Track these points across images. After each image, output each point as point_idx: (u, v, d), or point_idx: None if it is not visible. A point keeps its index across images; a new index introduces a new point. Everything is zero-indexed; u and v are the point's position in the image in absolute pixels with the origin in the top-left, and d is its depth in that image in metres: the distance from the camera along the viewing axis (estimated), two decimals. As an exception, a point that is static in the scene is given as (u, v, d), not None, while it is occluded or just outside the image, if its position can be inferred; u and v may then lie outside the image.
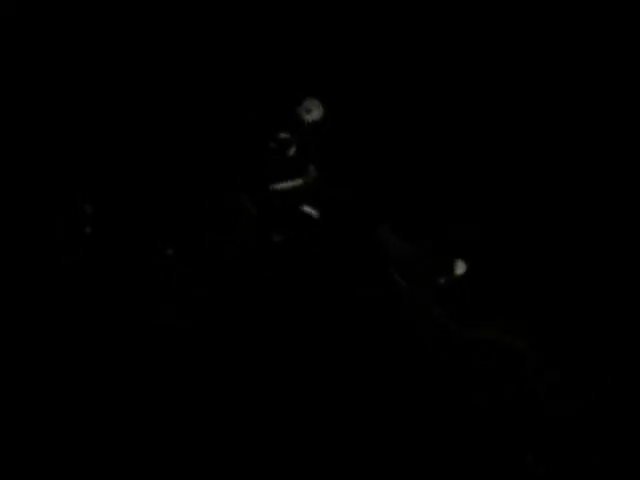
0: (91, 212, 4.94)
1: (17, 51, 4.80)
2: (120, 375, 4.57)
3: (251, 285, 4.95)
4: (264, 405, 4.55)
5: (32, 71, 4.86)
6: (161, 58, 5.12)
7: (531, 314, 4.91)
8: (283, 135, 5.06)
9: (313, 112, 5.10)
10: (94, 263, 4.88)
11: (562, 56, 5.20)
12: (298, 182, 5.14)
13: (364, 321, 4.85)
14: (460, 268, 5.08)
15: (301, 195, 5.15)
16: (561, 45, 5.18)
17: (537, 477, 4.46)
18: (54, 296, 4.73)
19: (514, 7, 5.18)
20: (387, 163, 5.26)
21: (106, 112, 5.03)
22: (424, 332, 4.87)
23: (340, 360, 4.73)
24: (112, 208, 5.01)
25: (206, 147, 5.20)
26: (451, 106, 5.27)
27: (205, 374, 4.63)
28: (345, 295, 4.94)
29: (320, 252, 5.09)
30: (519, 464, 4.49)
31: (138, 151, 5.12)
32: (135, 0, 5.02)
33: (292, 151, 5.07)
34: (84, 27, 4.95)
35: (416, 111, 5.28)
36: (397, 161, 5.26)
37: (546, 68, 5.21)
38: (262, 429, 4.47)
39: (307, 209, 5.15)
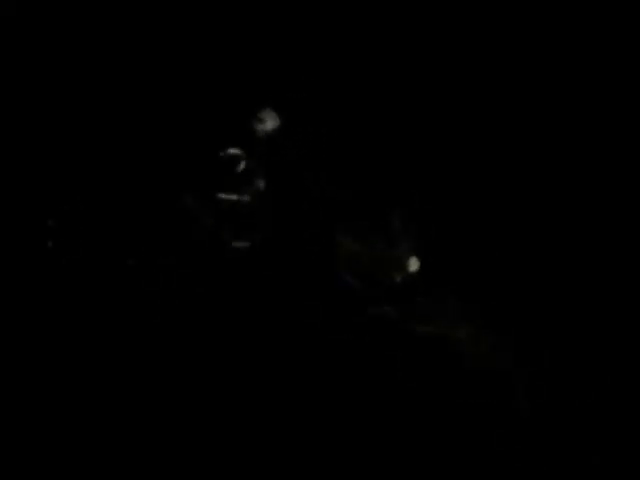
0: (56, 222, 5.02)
1: (17, 51, 4.92)
2: (114, 373, 4.65)
3: (205, 288, 4.99)
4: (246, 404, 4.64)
5: (32, 71, 4.98)
6: (162, 58, 5.24)
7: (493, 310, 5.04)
8: (232, 150, 5.05)
9: (267, 123, 5.13)
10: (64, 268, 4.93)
11: (562, 56, 5.29)
12: (244, 196, 5.10)
13: (316, 323, 4.93)
14: (414, 265, 5.20)
15: (247, 207, 5.11)
16: (561, 45, 5.27)
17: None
18: (48, 295, 4.82)
19: (514, 7, 5.27)
20: (342, 163, 5.30)
21: (105, 112, 5.13)
22: (374, 329, 4.99)
23: (297, 360, 4.81)
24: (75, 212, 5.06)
25: (158, 153, 5.21)
26: (419, 105, 5.36)
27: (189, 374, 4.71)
28: (298, 297, 5.01)
29: (270, 257, 5.11)
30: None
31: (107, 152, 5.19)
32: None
33: (241, 164, 5.04)
34: (84, 27, 5.07)
35: (376, 114, 5.34)
36: (352, 160, 5.29)
37: (546, 68, 5.29)
38: (250, 428, 4.56)
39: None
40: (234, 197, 5.13)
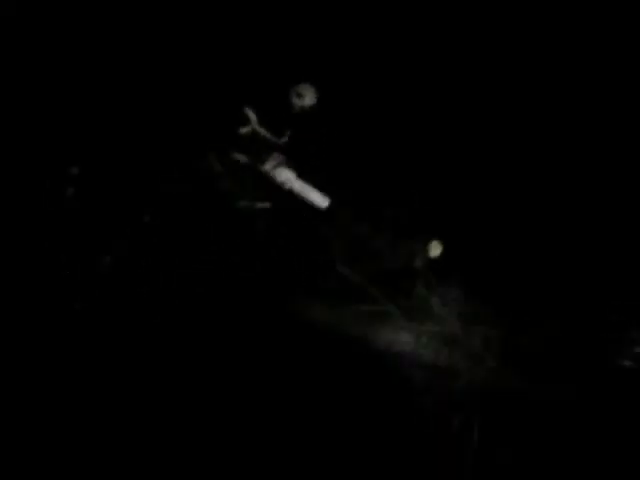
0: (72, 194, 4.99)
1: (17, 51, 4.82)
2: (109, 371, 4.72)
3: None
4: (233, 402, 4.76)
5: (32, 71, 4.89)
6: (164, 59, 5.09)
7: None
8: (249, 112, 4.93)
9: (305, 98, 4.98)
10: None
11: (562, 56, 5.15)
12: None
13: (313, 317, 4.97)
14: (436, 249, 5.09)
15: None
16: (561, 45, 5.12)
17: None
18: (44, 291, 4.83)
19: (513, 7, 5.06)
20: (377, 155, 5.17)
21: (104, 112, 5.05)
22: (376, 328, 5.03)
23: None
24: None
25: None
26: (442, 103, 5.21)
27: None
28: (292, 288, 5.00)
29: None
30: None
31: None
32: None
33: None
34: (84, 27, 4.94)
35: (413, 107, 5.18)
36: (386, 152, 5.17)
37: (546, 68, 5.18)
38: (250, 428, 4.72)
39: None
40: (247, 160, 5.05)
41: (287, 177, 5.04)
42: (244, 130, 4.99)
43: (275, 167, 5.03)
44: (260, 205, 5.06)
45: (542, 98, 5.17)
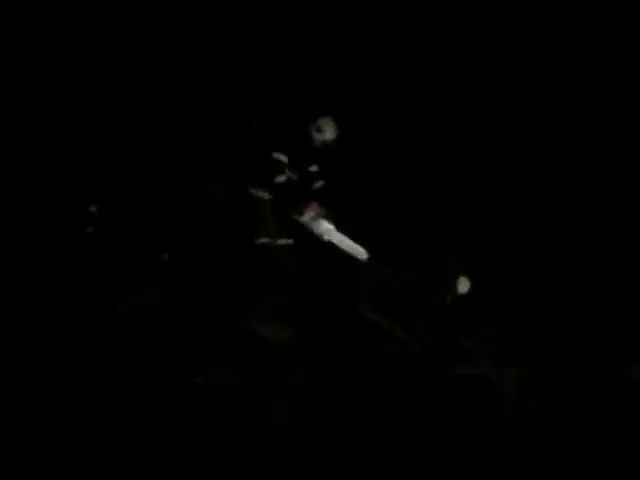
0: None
1: (17, 51, 4.68)
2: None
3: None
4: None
5: (32, 72, 4.74)
6: (165, 60, 4.94)
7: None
8: (280, 157, 4.83)
9: (326, 132, 4.85)
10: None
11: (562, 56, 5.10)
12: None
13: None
14: (464, 285, 4.90)
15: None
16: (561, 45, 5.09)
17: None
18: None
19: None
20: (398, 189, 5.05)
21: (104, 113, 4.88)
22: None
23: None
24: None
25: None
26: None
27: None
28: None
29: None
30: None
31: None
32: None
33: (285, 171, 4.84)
34: (84, 28, 4.81)
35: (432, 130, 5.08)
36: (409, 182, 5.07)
37: (545, 68, 5.11)
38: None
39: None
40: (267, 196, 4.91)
41: (326, 229, 4.89)
42: (280, 179, 4.85)
43: (314, 218, 4.89)
44: (282, 242, 4.89)
45: (542, 101, 5.12)
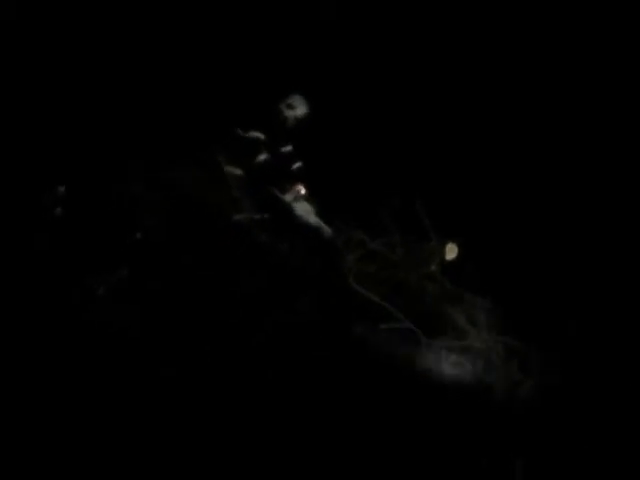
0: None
1: (17, 54, 4.90)
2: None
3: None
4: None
5: (31, 73, 4.96)
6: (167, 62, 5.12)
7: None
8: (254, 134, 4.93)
9: (297, 109, 4.94)
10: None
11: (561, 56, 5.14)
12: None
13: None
14: (452, 252, 4.89)
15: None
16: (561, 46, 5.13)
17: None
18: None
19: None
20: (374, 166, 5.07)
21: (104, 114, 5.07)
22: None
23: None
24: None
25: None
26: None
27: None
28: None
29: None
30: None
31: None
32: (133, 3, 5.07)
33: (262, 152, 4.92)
34: (84, 29, 5.01)
35: (407, 111, 5.11)
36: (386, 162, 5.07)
37: (546, 68, 5.15)
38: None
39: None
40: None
41: (306, 211, 4.99)
42: (260, 158, 4.96)
43: (297, 199, 5.00)
44: (258, 217, 4.97)
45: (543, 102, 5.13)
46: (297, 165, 4.98)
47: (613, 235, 4.88)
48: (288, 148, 4.97)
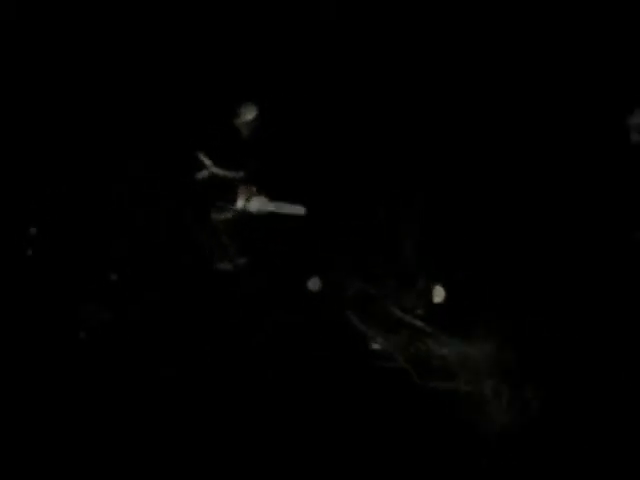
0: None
1: (17, 54, 4.83)
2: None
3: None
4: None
5: (31, 73, 4.91)
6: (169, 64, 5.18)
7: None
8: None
9: (245, 114, 5.01)
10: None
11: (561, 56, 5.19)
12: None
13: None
14: (439, 295, 4.92)
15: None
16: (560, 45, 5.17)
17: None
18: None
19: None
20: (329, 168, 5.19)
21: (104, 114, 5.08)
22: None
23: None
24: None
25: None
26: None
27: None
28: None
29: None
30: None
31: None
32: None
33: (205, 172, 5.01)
34: (83, 30, 4.99)
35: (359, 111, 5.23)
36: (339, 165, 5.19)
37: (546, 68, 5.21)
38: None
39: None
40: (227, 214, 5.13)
41: (261, 203, 5.10)
42: (201, 175, 5.08)
43: (247, 200, 5.10)
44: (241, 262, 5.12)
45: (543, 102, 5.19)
46: (240, 174, 5.08)
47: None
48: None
